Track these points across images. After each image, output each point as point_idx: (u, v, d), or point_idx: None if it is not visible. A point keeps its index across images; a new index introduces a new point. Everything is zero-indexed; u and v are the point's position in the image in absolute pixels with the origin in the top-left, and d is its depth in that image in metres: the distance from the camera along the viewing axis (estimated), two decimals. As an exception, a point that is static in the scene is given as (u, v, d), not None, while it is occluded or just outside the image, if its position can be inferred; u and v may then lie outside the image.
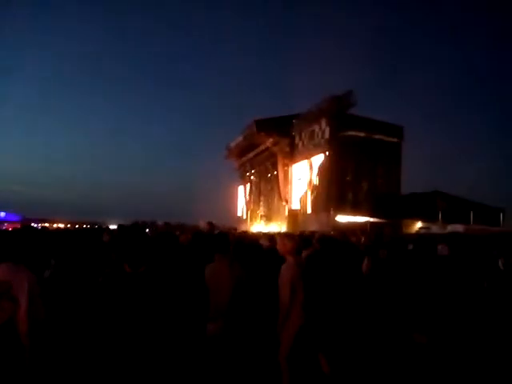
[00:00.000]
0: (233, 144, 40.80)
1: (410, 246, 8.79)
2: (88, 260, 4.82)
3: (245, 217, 41.57)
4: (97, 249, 6.17)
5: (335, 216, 27.03)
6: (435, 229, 23.53)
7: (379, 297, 4.41)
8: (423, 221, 27.48)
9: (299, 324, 3.25)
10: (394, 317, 4.18)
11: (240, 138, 38.39)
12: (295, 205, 32.18)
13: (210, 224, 8.01)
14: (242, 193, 43.56)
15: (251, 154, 39.11)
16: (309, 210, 29.76)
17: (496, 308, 4.05)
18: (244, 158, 41.28)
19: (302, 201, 31.05)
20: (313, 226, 24.99)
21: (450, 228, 21.70)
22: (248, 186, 41.89)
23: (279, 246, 3.71)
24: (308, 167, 30.28)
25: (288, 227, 30.75)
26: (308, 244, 5.55)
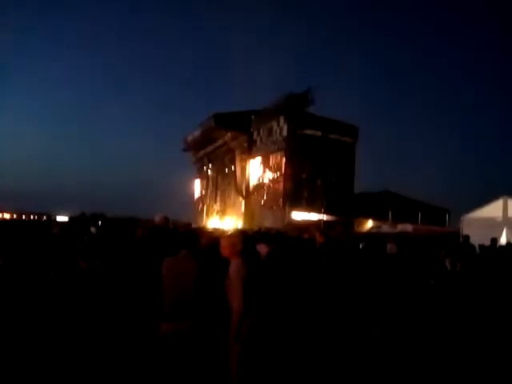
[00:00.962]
0: (190, 137, 40.35)
1: (361, 245, 9.10)
2: (38, 253, 4.63)
3: (201, 211, 41.28)
4: (46, 242, 5.94)
5: (290, 212, 27.42)
6: (386, 228, 24.41)
7: (334, 292, 4.55)
8: (374, 220, 28.42)
9: (237, 323, 3.20)
10: (348, 311, 4.33)
11: (198, 132, 38.02)
12: (251, 200, 32.34)
13: (165, 219, 7.86)
14: (198, 187, 43.20)
15: (209, 148, 38.85)
16: (264, 206, 29.99)
17: (441, 304, 4.29)
18: (201, 152, 40.94)
19: (259, 197, 31.25)
20: (268, 222, 25.23)
21: (400, 227, 22.58)
22: (205, 180, 41.60)
23: (223, 247, 3.50)
24: (265, 163, 30.49)
25: (244, 223, 30.86)
26: (265, 239, 5.61)
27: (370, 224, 28.77)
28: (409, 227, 22.21)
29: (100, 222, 15.29)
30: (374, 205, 31.30)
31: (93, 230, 10.00)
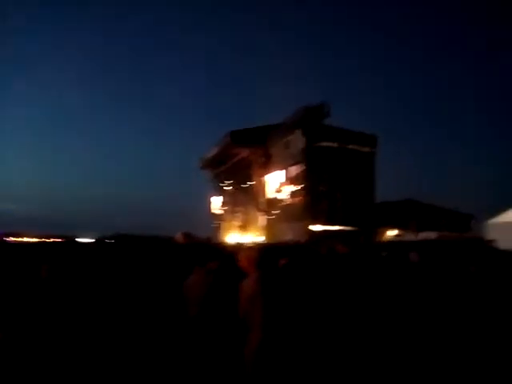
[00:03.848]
0: (208, 155, 40.79)
1: (384, 254, 8.98)
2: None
3: (220, 227, 41.43)
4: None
5: (310, 225, 27.28)
6: (408, 237, 24.00)
7: (352, 304, 4.50)
8: (397, 229, 28.01)
9: (259, 338, 3.17)
10: (366, 320, 4.26)
11: (215, 149, 38.42)
12: (271, 215, 32.33)
13: (187, 236, 7.93)
14: (216, 203, 43.43)
15: (226, 165, 39.17)
16: (285, 220, 29.93)
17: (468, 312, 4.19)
18: (219, 169, 41.30)
19: (278, 211, 31.22)
20: (288, 236, 25.15)
21: (423, 235, 22.18)
22: (224, 196, 41.82)
23: (241, 259, 3.49)
24: (284, 177, 30.52)
25: (264, 237, 30.82)
26: (284, 254, 5.60)
27: (392, 233, 28.34)
28: (432, 235, 21.78)
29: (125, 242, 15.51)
30: (397, 214, 30.88)
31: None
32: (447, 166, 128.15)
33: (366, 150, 30.40)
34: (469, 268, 5.38)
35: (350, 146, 29.67)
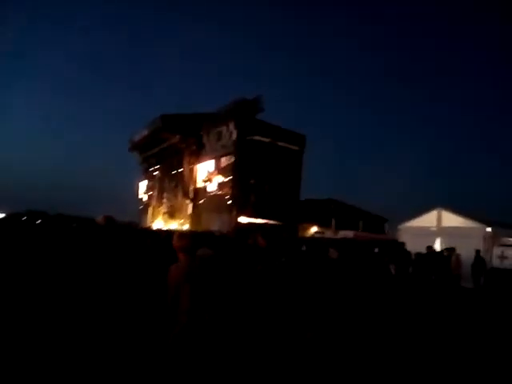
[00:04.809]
0: (137, 137, 39.45)
1: (304, 248, 9.36)
2: None
3: (146, 212, 40.37)
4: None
5: (237, 217, 27.54)
6: (328, 234, 25.19)
7: (272, 295, 4.65)
8: (318, 226, 29.21)
9: (184, 323, 3.20)
10: (285, 313, 4.44)
11: (145, 132, 37.25)
12: (198, 203, 32.14)
13: (108, 219, 7.66)
14: (143, 188, 42.27)
15: (156, 149, 38.16)
16: (211, 210, 29.92)
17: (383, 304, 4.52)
18: (148, 153, 40.14)
19: (206, 200, 31.11)
20: (215, 226, 25.20)
21: (342, 234, 23.39)
22: (151, 181, 40.78)
23: (174, 244, 3.58)
24: (214, 167, 30.44)
25: (191, 225, 30.58)
26: (209, 242, 5.63)
27: (313, 230, 29.51)
28: (350, 234, 23.04)
29: (40, 221, 14.59)
30: (319, 211, 32.23)
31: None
32: (371, 169, 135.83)
33: (295, 148, 31.18)
34: (388, 266, 5.78)
35: (281, 143, 30.24)
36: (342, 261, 6.31)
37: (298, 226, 28.54)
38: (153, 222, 36.90)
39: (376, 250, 10.82)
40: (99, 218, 7.24)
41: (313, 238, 23.97)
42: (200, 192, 32.06)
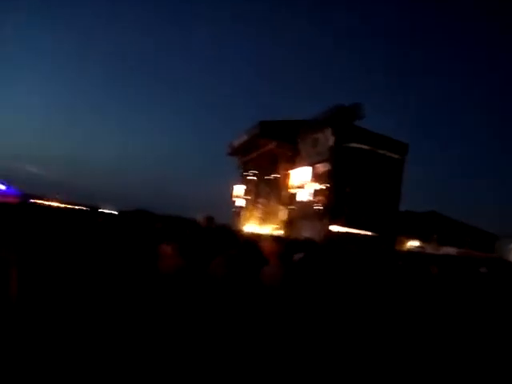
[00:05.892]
0: (236, 142, 40.88)
1: (400, 263, 8.88)
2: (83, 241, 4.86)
3: (241, 216, 41.59)
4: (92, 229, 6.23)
5: (329, 225, 27.13)
6: (429, 249, 23.67)
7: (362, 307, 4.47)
8: (418, 240, 27.58)
9: None
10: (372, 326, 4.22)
11: (244, 137, 38.46)
12: (292, 210, 32.28)
13: (209, 219, 8.02)
14: (239, 191, 43.60)
15: (253, 155, 39.18)
16: (305, 217, 29.85)
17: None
18: (246, 158, 41.37)
19: (299, 206, 31.13)
20: (306, 233, 25.09)
21: (444, 250, 21.84)
22: (247, 185, 41.93)
23: (266, 247, 3.63)
24: (309, 174, 30.37)
25: (284, 231, 30.82)
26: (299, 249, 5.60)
27: (412, 244, 27.93)
28: (453, 250, 21.40)
29: (146, 219, 15.76)
30: (419, 225, 30.39)
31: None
32: (482, 182, 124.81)
33: (396, 156, 29.91)
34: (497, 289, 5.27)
35: (380, 151, 29.22)
36: (443, 279, 5.87)
37: (396, 239, 27.21)
38: (245, 225, 37.88)
39: (483, 269, 9.90)
40: (200, 218, 7.63)
41: (411, 252, 22.67)
42: (294, 198, 32.18)
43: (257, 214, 38.51)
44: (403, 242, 27.59)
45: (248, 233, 16.46)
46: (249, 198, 41.05)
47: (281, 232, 30.74)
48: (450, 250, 21.42)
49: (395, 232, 27.55)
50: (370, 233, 26.40)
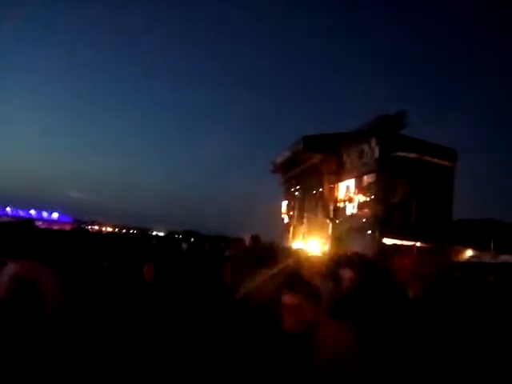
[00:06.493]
0: (279, 159, 40.95)
1: (458, 274, 8.47)
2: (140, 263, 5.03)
3: (287, 232, 41.37)
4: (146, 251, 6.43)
5: (380, 238, 26.38)
6: (486, 258, 22.51)
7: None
8: (474, 249, 26.27)
9: None
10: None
11: (287, 154, 38.46)
12: (339, 223, 31.71)
13: (254, 239, 7.96)
14: (285, 208, 43.48)
15: (297, 170, 39.05)
16: (353, 230, 29.21)
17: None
18: (289, 174, 41.30)
19: (347, 220, 30.55)
20: (357, 247, 24.50)
21: (503, 258, 20.67)
22: (292, 201, 41.76)
23: (307, 268, 3.52)
24: (354, 186, 29.83)
25: (331, 246, 30.30)
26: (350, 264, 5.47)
27: (468, 253, 26.63)
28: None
29: (192, 239, 16.21)
30: (475, 233, 28.99)
31: (184, 246, 10.63)
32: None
33: (445, 163, 28.80)
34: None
35: (428, 158, 28.25)
36: (502, 289, 5.53)
37: (450, 249, 26.02)
38: (293, 241, 37.57)
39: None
40: (246, 237, 7.68)
41: (468, 262, 21.60)
42: (340, 211, 31.63)
43: (303, 229, 38.16)
44: (458, 252, 26.35)
45: (295, 249, 16.36)
46: (293, 213, 40.81)
47: (328, 247, 30.28)
48: (510, 258, 20.16)
49: (449, 242, 26.38)
50: (423, 244, 25.42)
